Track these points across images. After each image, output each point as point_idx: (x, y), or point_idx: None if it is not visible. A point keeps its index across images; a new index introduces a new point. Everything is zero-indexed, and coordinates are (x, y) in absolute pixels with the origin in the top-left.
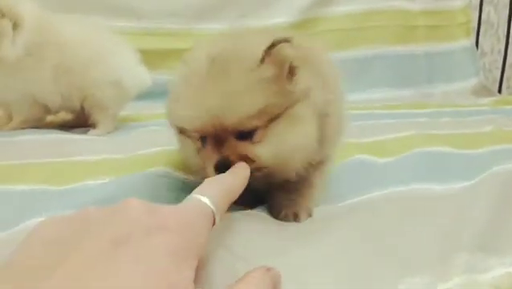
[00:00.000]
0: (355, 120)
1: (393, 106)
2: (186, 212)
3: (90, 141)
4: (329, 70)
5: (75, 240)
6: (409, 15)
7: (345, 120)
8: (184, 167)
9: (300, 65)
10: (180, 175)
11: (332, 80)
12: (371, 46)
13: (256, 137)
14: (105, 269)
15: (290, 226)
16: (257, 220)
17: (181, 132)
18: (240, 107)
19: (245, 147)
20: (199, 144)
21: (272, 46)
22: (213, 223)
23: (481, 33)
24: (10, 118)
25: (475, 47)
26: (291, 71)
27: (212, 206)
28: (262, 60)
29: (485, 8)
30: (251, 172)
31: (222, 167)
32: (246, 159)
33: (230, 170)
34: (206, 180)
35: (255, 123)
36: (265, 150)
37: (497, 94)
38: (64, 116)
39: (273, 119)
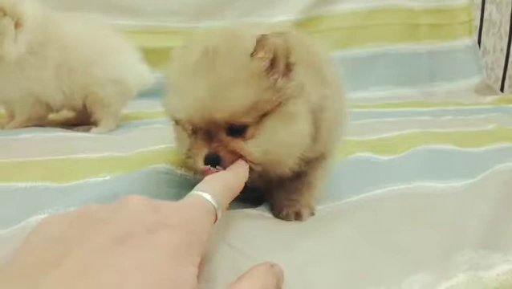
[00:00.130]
0: (357, 118)
1: (396, 104)
2: (188, 208)
3: (92, 139)
4: (327, 66)
5: (77, 237)
6: (412, 14)
7: (344, 117)
8: (186, 164)
9: (297, 61)
10: (182, 172)
11: (330, 76)
12: (374, 44)
13: (248, 134)
14: (108, 266)
15: (293, 223)
16: (259, 217)
17: (177, 123)
18: (229, 101)
19: (236, 143)
20: (192, 136)
21: (264, 39)
22: (215, 219)
23: (483, 31)
24: (12, 116)
25: (477, 46)
26: (288, 67)
27: (213, 202)
28: (254, 53)
29: (488, 6)
30: None
31: (211, 161)
32: (237, 155)
33: (230, 167)
34: (207, 177)
35: (246, 118)
36: (256, 147)
37: (500, 92)
38: (66, 114)
39: (265, 115)
